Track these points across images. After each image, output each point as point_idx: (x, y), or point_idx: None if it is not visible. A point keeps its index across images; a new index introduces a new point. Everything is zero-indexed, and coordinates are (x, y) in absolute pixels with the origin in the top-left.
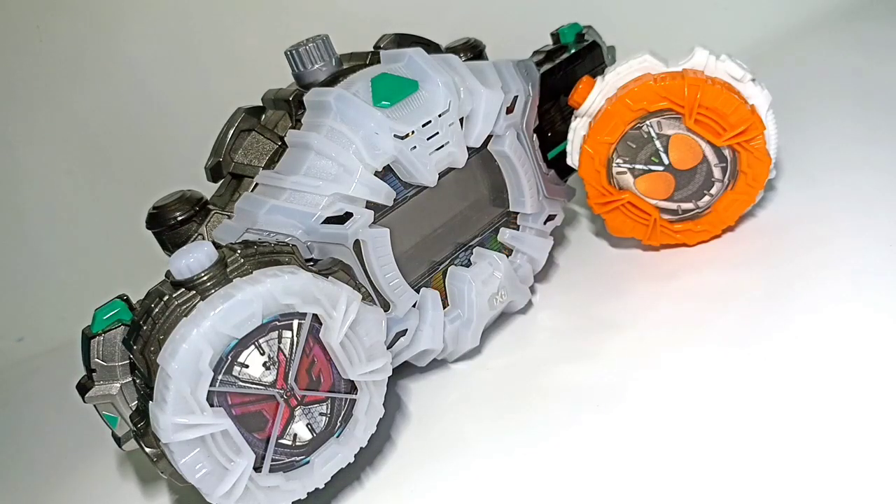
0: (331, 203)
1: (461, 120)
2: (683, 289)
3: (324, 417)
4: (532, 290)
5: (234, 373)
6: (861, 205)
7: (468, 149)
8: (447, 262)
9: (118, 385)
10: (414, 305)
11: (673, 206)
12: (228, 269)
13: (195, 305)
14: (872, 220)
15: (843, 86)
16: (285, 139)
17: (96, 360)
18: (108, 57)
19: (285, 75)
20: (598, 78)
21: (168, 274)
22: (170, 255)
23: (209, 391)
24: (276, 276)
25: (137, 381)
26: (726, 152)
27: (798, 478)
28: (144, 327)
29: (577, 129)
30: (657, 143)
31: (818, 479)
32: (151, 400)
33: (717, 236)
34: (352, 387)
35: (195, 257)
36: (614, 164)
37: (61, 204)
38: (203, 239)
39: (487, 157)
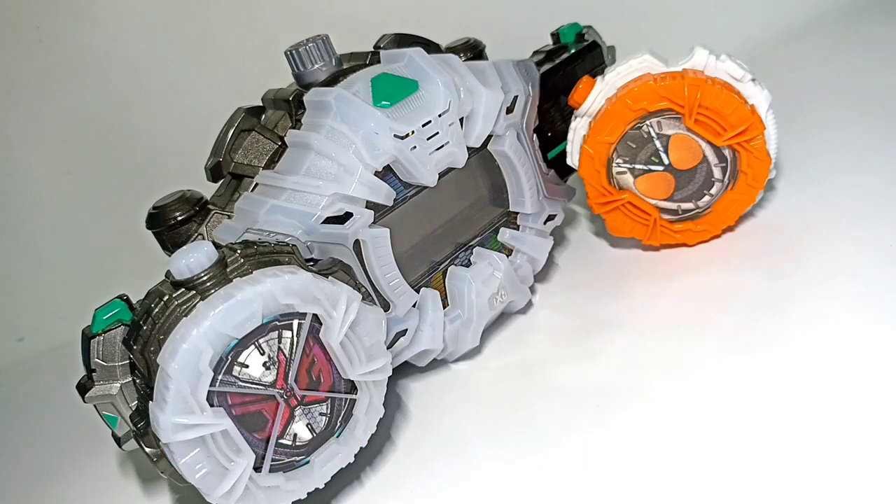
0: (331, 203)
1: (461, 120)
2: (683, 289)
3: (324, 417)
4: (532, 290)
5: (234, 373)
6: (861, 204)
7: (468, 149)
8: (447, 262)
9: (118, 385)
10: (414, 305)
11: (673, 206)
12: (228, 269)
13: (195, 305)
14: (872, 220)
15: (843, 86)
16: (285, 139)
17: (96, 360)
18: (108, 57)
19: (285, 75)
20: (598, 78)
21: (168, 274)
22: (170, 255)
23: (209, 391)
24: (276, 276)
25: (137, 381)
26: (726, 152)
27: (798, 476)
28: (144, 327)
29: (577, 129)
30: (657, 143)
31: (816, 476)
32: (151, 400)
33: (717, 236)
34: (352, 387)
35: (195, 257)
36: (614, 164)
37: (61, 204)
38: (203, 239)
39: (487, 157)
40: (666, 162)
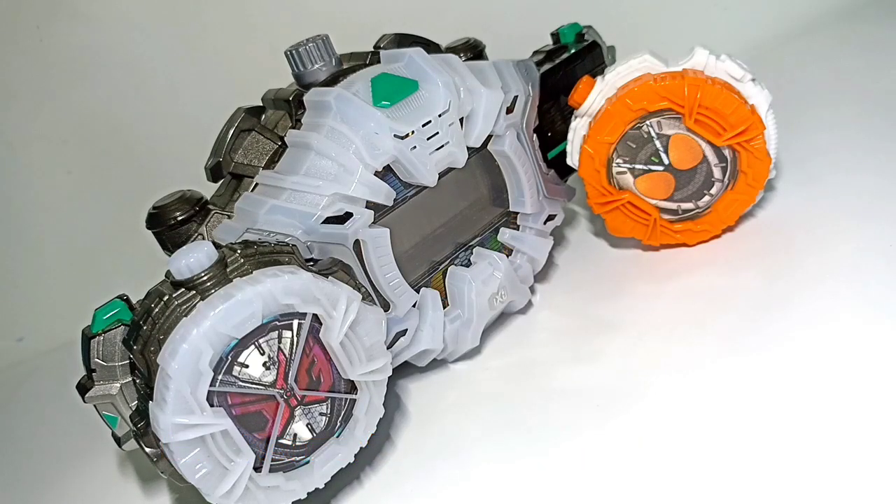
0: (331, 203)
1: (461, 120)
2: (683, 289)
3: (324, 417)
4: (532, 290)
5: (234, 373)
6: (861, 204)
7: (468, 149)
8: (447, 262)
9: (118, 385)
10: (414, 305)
11: (673, 206)
12: (228, 269)
13: (195, 305)
14: (872, 220)
15: (843, 86)
16: (285, 139)
17: (96, 360)
18: (108, 57)
19: (285, 75)
20: (598, 78)
21: (168, 274)
22: (170, 255)
23: (209, 391)
24: (276, 276)
25: (137, 381)
26: (726, 152)
27: (798, 476)
28: (144, 327)
29: (577, 129)
30: (657, 143)
31: (816, 475)
32: (151, 400)
33: (717, 236)
34: (352, 387)
35: (195, 257)
36: (614, 164)
37: (61, 204)
38: (203, 239)
39: (487, 157)
40: (666, 162)
